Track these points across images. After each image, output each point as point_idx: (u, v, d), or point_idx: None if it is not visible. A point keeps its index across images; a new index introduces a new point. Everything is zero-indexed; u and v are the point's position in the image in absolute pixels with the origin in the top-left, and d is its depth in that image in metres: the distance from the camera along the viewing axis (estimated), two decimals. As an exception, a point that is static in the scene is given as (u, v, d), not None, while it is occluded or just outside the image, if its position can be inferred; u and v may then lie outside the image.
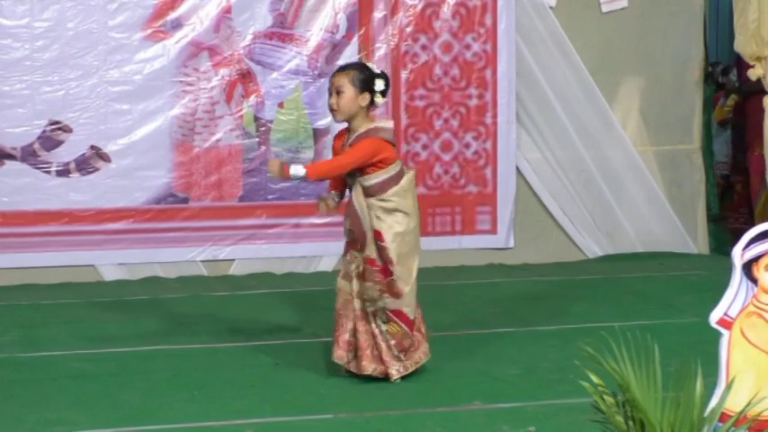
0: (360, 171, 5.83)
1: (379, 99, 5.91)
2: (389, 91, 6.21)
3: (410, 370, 5.92)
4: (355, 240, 5.89)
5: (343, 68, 6.00)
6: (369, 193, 5.84)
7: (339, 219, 6.28)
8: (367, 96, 5.87)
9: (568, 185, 9.79)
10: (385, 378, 5.86)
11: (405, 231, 5.84)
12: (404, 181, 5.89)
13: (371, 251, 5.82)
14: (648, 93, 9.96)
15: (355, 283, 5.88)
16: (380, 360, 5.88)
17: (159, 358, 6.48)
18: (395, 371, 5.87)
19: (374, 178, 5.83)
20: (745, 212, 10.57)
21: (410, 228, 5.87)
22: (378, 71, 6.00)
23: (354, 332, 5.89)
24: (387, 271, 5.80)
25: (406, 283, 5.84)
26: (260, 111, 9.08)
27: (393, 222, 5.82)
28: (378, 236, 5.80)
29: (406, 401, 5.55)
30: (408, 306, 5.88)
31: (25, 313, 7.74)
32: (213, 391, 5.77)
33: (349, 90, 5.86)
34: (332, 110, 5.89)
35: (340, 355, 5.93)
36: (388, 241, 5.79)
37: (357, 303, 5.88)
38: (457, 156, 9.47)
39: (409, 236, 5.87)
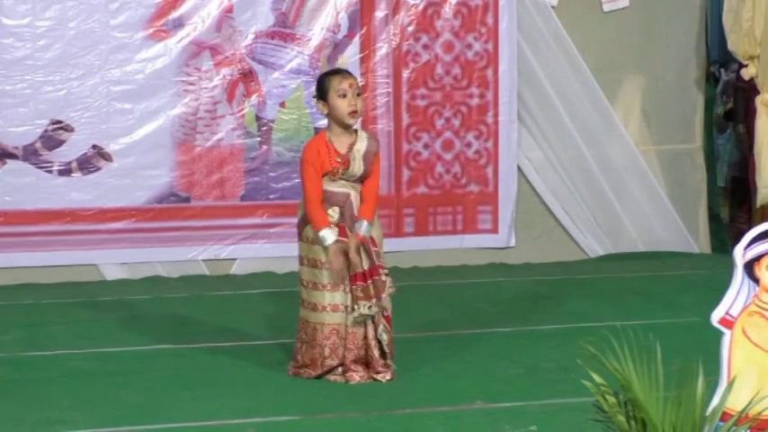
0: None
1: None
2: (391, 91, 6.27)
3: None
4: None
5: (349, 73, 5.98)
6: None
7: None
8: None
9: (570, 184, 9.78)
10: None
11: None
12: None
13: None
14: (650, 92, 9.96)
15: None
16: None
17: (160, 357, 6.48)
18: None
19: None
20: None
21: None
22: None
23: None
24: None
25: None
26: (262, 110, 9.08)
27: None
28: (372, 243, 5.87)
29: (408, 401, 5.55)
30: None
31: (26, 312, 7.75)
32: (214, 390, 5.77)
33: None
34: (353, 112, 5.81)
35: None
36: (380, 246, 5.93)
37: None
38: (458, 155, 9.47)
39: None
